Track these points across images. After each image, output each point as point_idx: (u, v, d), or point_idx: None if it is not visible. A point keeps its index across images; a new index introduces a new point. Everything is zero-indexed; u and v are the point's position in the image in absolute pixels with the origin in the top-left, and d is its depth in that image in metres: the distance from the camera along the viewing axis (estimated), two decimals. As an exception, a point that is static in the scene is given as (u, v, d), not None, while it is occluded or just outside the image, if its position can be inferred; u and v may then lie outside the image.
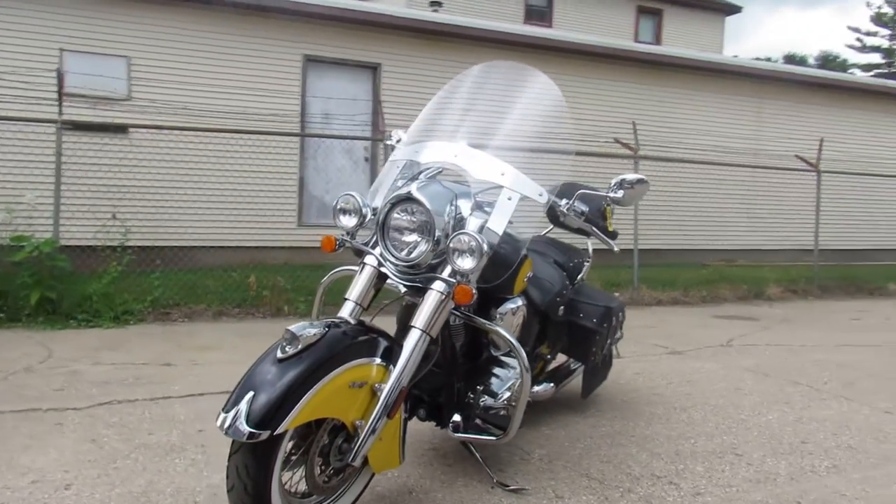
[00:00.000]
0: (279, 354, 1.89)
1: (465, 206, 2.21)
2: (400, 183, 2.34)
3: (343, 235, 2.32)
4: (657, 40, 17.78)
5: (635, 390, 3.93)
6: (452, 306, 2.16)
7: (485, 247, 2.00)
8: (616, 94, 10.62)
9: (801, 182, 10.57)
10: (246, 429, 1.76)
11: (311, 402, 1.85)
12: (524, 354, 2.30)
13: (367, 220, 2.26)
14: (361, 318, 2.24)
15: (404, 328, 2.30)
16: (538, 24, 15.62)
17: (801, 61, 48.22)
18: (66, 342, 4.79)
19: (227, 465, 1.89)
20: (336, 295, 6.95)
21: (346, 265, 2.68)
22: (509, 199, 2.17)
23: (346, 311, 2.22)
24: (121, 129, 7.67)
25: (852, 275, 9.91)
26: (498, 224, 2.13)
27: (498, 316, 2.51)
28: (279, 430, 1.79)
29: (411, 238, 2.17)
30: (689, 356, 4.93)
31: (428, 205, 2.11)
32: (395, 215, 2.17)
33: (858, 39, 51.42)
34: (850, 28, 53.17)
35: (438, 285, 2.12)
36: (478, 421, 2.48)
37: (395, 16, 9.43)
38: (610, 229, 2.63)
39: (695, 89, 11.24)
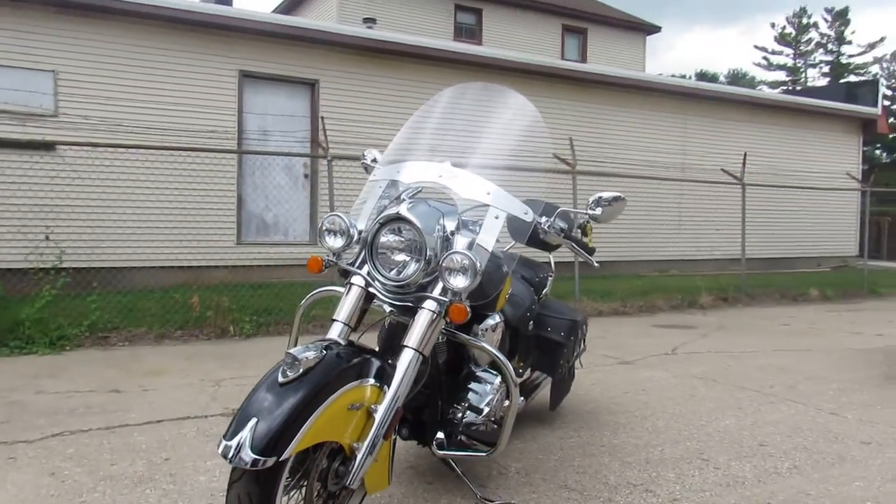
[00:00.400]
0: (280, 379, 1.86)
1: (451, 225, 2.23)
2: (384, 203, 2.34)
3: (329, 256, 2.30)
4: (582, 58, 18.33)
5: (594, 400, 4.02)
6: (443, 325, 2.17)
7: (478, 265, 2.03)
8: (547, 110, 10.88)
9: (727, 194, 11.08)
10: (251, 456, 1.71)
11: (314, 427, 1.82)
12: (511, 369, 2.33)
13: (353, 240, 2.25)
14: (349, 338, 2.23)
15: (388, 347, 2.29)
16: (468, 41, 15.87)
17: (713, 79, 50.63)
18: (1, 371, 4.53)
19: (226, 494, 1.83)
20: (283, 314, 6.74)
21: (327, 286, 2.64)
22: (496, 217, 2.21)
23: (335, 332, 2.20)
24: (48, 146, 7.33)
25: (776, 282, 10.45)
26: (487, 243, 2.16)
27: (480, 332, 2.53)
28: (284, 456, 1.75)
29: (400, 258, 2.17)
30: (639, 365, 5.08)
31: (419, 224, 2.11)
32: (385, 235, 2.17)
33: (765, 58, 54.50)
34: (756, 47, 56.22)
35: (430, 304, 2.13)
36: (462, 437, 2.49)
37: (333, 32, 9.42)
38: (590, 245, 2.70)
39: (622, 106, 11.64)
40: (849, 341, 6.31)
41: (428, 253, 2.11)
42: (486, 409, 2.53)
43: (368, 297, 2.27)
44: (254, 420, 1.78)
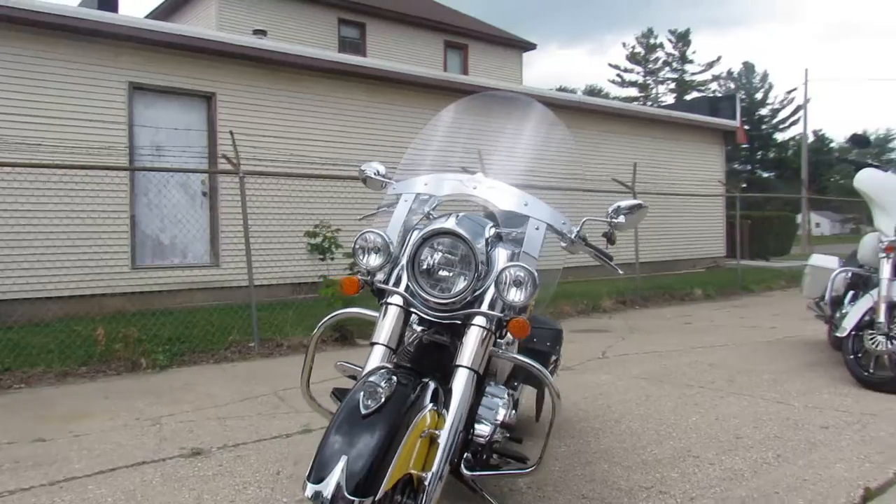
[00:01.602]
0: (363, 411, 1.71)
1: (492, 239, 2.17)
2: (414, 218, 2.24)
3: (363, 275, 2.16)
4: (464, 72, 18.71)
5: (563, 408, 4.06)
6: (493, 341, 2.10)
7: (536, 278, 1.98)
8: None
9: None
10: (349, 499, 1.56)
11: (400, 460, 1.69)
12: (552, 381, 2.29)
13: (392, 257, 2.12)
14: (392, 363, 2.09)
15: (420, 367, 2.18)
16: (352, 55, 15.75)
17: (572, 94, 53.57)
18: None
19: None
20: (196, 342, 6.30)
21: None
22: (537, 229, 2.17)
23: (377, 356, 2.06)
24: None
25: (664, 284, 11.10)
26: (533, 255, 2.12)
27: (504, 347, 2.47)
28: (379, 496, 1.61)
29: (445, 274, 2.07)
30: (580, 370, 5.20)
31: (469, 239, 2.03)
32: (433, 252, 2.06)
33: (619, 75, 58.32)
34: (610, 65, 59.95)
35: (479, 320, 2.05)
36: (492, 456, 2.41)
37: (230, 43, 9.01)
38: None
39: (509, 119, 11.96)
40: (751, 335, 6.79)
41: (480, 268, 2.03)
42: (500, 423, 2.47)
43: (405, 317, 2.15)
44: (343, 458, 1.62)
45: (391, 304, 2.12)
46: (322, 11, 16.67)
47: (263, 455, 3.34)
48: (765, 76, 56.57)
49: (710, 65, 56.41)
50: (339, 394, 2.57)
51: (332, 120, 9.80)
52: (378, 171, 2.56)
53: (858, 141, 5.28)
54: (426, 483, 1.84)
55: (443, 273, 2.07)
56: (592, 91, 59.07)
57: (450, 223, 2.06)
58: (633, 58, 57.89)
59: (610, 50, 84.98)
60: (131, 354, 5.75)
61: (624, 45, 66.66)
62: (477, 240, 2.07)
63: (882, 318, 4.21)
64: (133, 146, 8.17)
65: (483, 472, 2.35)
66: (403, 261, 2.13)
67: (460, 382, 1.98)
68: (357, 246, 2.11)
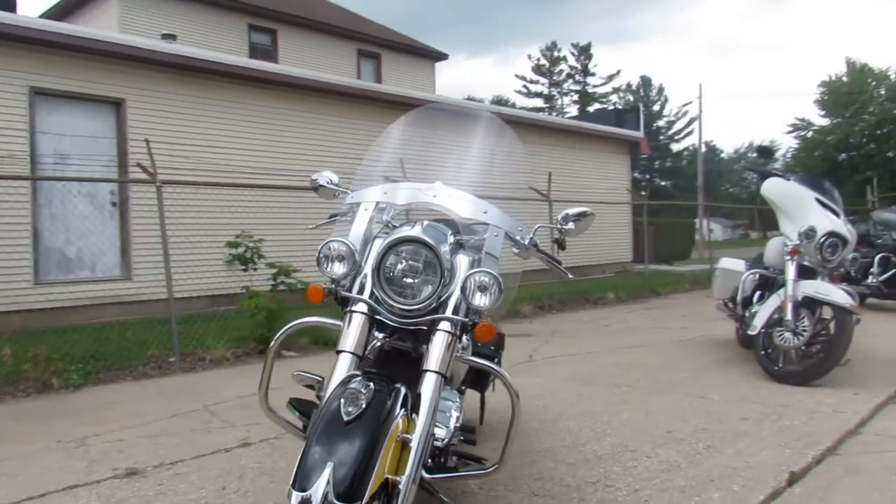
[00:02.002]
0: (345, 417, 1.72)
1: (454, 246, 2.22)
2: (374, 227, 2.27)
3: (328, 283, 2.16)
4: (378, 81, 18.72)
5: (500, 411, 4.14)
6: (459, 346, 2.15)
7: (502, 284, 2.05)
8: (347, 129, 11.01)
9: (537, 211, 11.98)
10: None
11: (381, 465, 1.71)
12: (511, 381, 2.36)
13: (357, 265, 2.14)
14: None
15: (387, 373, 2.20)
16: (265, 62, 15.45)
17: (479, 103, 54.53)
18: None
19: None
20: (111, 360, 6.06)
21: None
22: (496, 235, 2.24)
23: (345, 365, 2.06)
24: None
25: (579, 289, 11.46)
26: (493, 261, 2.19)
27: (460, 351, 2.52)
28: (364, 502, 1.63)
29: (410, 281, 2.10)
30: (513, 373, 5.30)
31: (436, 247, 2.07)
32: (399, 259, 2.09)
33: (525, 86, 59.80)
34: (517, 76, 61.44)
35: (445, 325, 2.09)
36: (450, 458, 2.46)
37: (138, 47, 8.67)
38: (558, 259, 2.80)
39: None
40: (665, 336, 7.14)
41: (445, 274, 2.08)
42: (454, 428, 2.53)
43: (370, 325, 2.16)
44: (329, 465, 1.63)
45: (356, 311, 2.13)
46: (231, 17, 16.28)
47: (205, 472, 3.25)
48: (661, 89, 59.47)
49: (611, 77, 58.78)
50: (296, 404, 2.55)
51: (248, 127, 9.60)
52: (331, 181, 2.57)
53: (764, 152, 5.68)
54: (400, 487, 1.87)
55: (408, 280, 2.10)
56: (500, 101, 60.25)
57: (415, 231, 2.10)
58: (538, 69, 59.52)
59: (515, 61, 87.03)
60: (42, 374, 5.43)
61: (529, 56, 68.59)
62: (441, 246, 2.12)
63: (789, 315, 4.55)
64: (35, 154, 7.72)
65: (443, 475, 2.39)
66: (367, 269, 2.15)
67: (429, 387, 2.02)
68: (321, 254, 2.12)
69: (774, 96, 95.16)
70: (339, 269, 2.12)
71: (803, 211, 4.72)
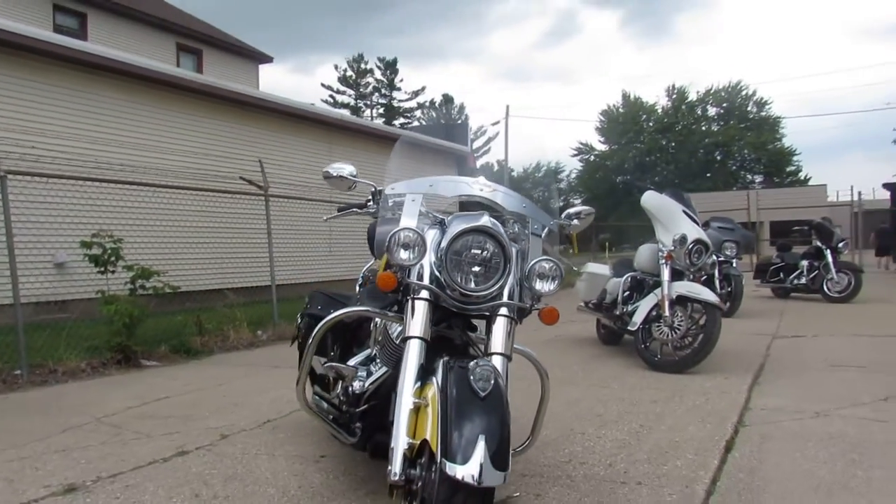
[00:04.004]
0: (482, 394, 1.79)
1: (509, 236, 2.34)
2: (437, 216, 2.33)
3: (396, 271, 2.17)
4: (198, 79, 17.75)
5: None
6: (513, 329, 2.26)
7: (563, 271, 2.21)
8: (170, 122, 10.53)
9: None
10: (498, 475, 1.66)
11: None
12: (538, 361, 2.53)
13: (424, 254, 2.17)
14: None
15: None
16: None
17: (334, 110, 53.57)
18: None
19: None
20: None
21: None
22: (536, 227, 2.40)
23: (416, 350, 2.09)
24: None
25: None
26: (539, 251, 2.34)
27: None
28: (509, 471, 1.72)
29: (477, 269, 2.18)
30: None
31: (504, 236, 2.18)
32: (468, 248, 2.16)
33: (331, 96, 59.59)
34: (323, 85, 61.07)
35: (504, 311, 2.21)
36: None
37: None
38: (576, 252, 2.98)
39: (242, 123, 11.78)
40: (529, 336, 7.63)
41: (511, 262, 2.19)
42: None
43: (434, 311, 2.21)
44: (482, 439, 1.70)
45: (420, 298, 2.17)
46: (31, -7, 14.54)
47: (158, 481, 3.00)
48: (461, 108, 62.47)
49: (416, 93, 60.58)
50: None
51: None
52: (352, 173, 2.57)
53: (642, 168, 6.38)
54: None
55: (476, 268, 2.18)
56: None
57: (484, 221, 2.19)
58: (344, 80, 59.67)
59: (316, 70, 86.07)
60: None
61: (336, 67, 68.39)
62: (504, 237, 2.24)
63: (667, 312, 5.18)
64: None
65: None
66: (429, 257, 2.20)
67: (500, 370, 2.13)
68: (392, 243, 2.13)
69: (562, 121, 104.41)
70: (409, 256, 2.14)
71: (675, 221, 5.41)
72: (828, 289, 10.51)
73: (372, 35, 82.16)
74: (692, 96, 54.80)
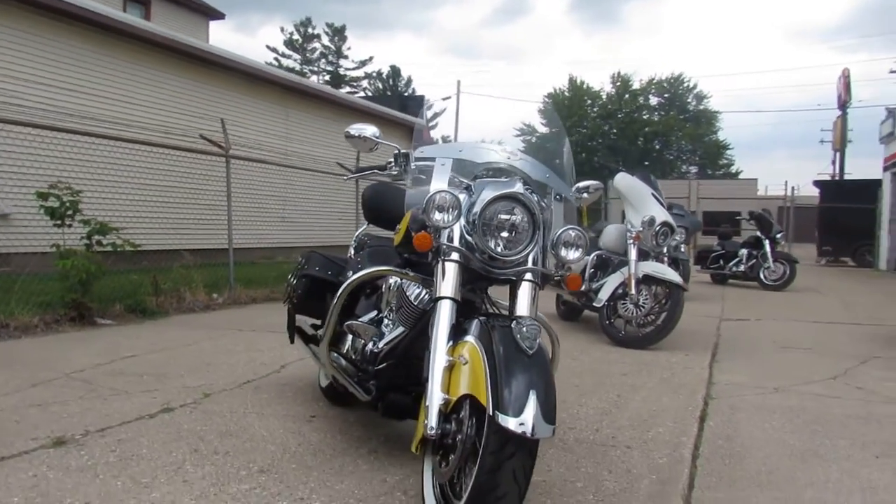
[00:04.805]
0: (529, 352, 1.86)
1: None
2: (462, 180, 2.36)
3: (431, 232, 2.21)
4: (144, 32, 17.01)
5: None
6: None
7: (587, 240, 2.29)
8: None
9: (338, 186, 12.04)
10: (549, 428, 1.75)
11: None
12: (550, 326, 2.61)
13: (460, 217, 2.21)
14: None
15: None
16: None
17: (289, 73, 51.91)
18: None
19: (494, 475, 1.74)
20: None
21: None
22: (558, 197, 2.47)
23: (447, 310, 2.13)
24: None
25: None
26: (561, 220, 2.41)
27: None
28: (556, 425, 1.80)
29: (506, 235, 2.23)
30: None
31: (535, 203, 2.24)
32: (500, 213, 2.20)
33: (276, 59, 58.04)
34: (268, 48, 59.30)
35: (529, 276, 2.27)
36: None
37: None
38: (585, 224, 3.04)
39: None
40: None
41: (540, 229, 2.26)
42: None
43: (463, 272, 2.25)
44: (532, 393, 1.77)
45: (450, 260, 2.21)
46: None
47: (151, 436, 2.97)
48: (409, 81, 61.92)
49: (364, 63, 59.67)
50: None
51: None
52: (374, 134, 2.58)
53: (613, 152, 6.53)
54: None
55: (504, 234, 2.24)
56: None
57: (518, 187, 2.25)
58: (290, 44, 58.24)
59: (258, 30, 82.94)
60: None
61: (282, 29, 66.69)
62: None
63: (633, 290, 5.38)
64: None
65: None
66: (461, 221, 2.24)
67: (530, 330, 2.20)
68: (430, 205, 2.15)
69: (510, 101, 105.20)
70: (447, 218, 2.18)
71: (644, 203, 5.59)
72: (764, 277, 11.04)
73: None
74: (636, 85, 55.92)
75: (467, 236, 2.24)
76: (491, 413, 1.77)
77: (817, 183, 22.37)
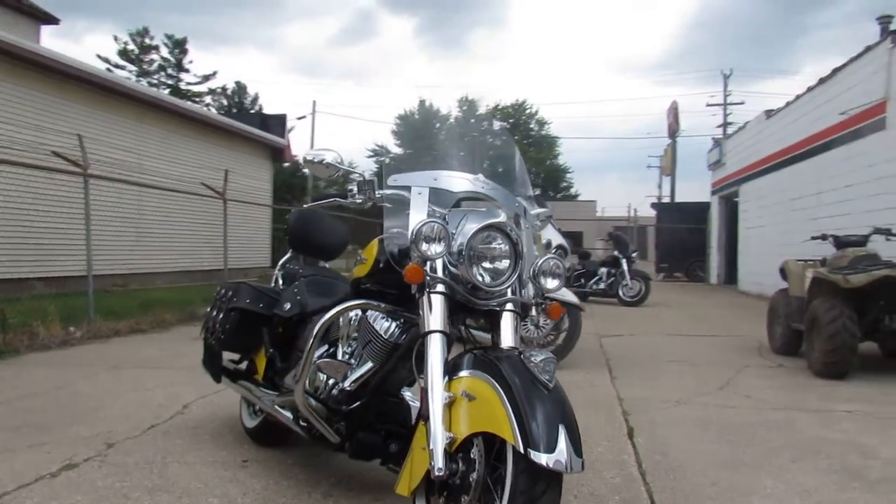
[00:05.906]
0: (550, 384, 1.82)
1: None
2: (437, 210, 2.28)
3: (421, 263, 2.11)
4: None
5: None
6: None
7: (565, 269, 2.30)
8: None
9: (204, 208, 11.36)
10: (578, 460, 1.72)
11: None
12: None
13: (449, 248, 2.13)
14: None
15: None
16: None
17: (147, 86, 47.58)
18: None
19: None
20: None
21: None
22: (528, 227, 2.46)
23: (438, 344, 2.05)
24: None
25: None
26: (532, 247, 2.41)
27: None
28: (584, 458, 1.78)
29: (489, 266, 2.19)
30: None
31: (516, 233, 2.21)
32: (486, 243, 2.15)
33: (108, 69, 54.15)
34: (99, 57, 55.07)
35: (510, 306, 2.25)
36: None
37: None
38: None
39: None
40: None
41: (521, 259, 2.23)
42: None
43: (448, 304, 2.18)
44: (561, 427, 1.74)
45: (437, 292, 2.14)
46: None
47: (64, 499, 2.61)
48: (255, 98, 60.13)
49: (207, 77, 57.11)
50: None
51: None
52: (336, 159, 2.44)
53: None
54: None
55: (486, 265, 2.20)
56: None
57: (502, 217, 2.22)
58: (125, 54, 54.56)
59: (84, 38, 76.23)
60: None
61: (116, 38, 62.10)
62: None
63: (533, 312, 5.50)
64: None
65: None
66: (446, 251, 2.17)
67: (513, 362, 2.17)
68: (418, 236, 2.07)
69: (361, 121, 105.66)
70: (436, 249, 2.10)
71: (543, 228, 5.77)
72: (623, 293, 11.80)
73: (154, 8, 75.44)
74: (482, 109, 58.10)
75: (451, 267, 2.18)
76: (522, 451, 1.72)
77: (655, 205, 24.39)
